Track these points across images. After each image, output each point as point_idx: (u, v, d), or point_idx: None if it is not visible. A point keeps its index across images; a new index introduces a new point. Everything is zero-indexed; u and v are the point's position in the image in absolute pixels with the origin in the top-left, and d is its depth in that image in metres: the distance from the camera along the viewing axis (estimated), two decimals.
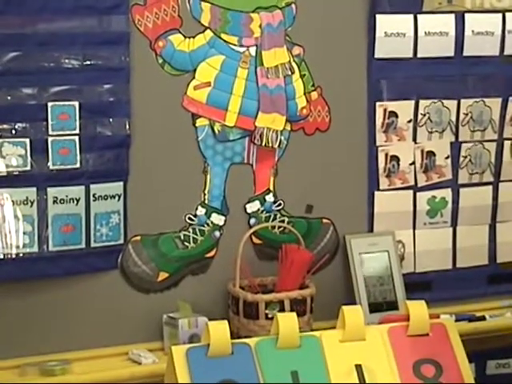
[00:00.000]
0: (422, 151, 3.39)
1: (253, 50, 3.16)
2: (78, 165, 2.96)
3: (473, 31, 3.40)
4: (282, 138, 3.20)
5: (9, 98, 2.87)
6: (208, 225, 3.15)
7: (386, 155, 3.34)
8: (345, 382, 2.81)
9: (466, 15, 3.39)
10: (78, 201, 2.97)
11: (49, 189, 2.93)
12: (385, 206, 3.37)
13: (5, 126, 2.87)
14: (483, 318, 3.39)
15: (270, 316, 3.00)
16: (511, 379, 3.53)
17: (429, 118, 3.39)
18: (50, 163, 2.93)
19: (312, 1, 3.20)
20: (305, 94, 3.24)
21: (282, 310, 3.04)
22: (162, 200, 3.08)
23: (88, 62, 2.95)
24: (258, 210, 3.19)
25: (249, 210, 3.21)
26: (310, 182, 3.24)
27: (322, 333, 2.97)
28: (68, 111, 2.95)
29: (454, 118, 3.41)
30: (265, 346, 2.80)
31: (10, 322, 2.87)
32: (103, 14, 2.96)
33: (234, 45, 3.14)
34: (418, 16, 3.34)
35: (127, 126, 3.00)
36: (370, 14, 3.29)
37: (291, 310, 3.01)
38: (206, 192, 3.15)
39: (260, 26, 3.15)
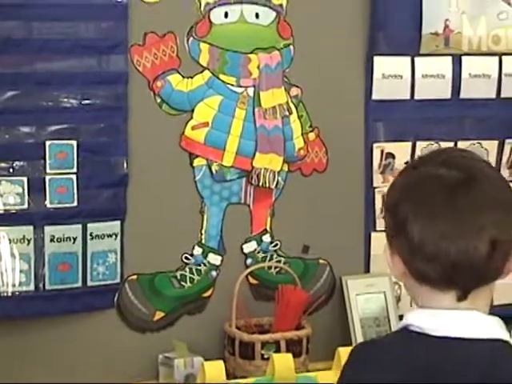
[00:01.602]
0: None
1: (251, 91, 3.16)
2: (75, 203, 2.95)
3: (470, 74, 3.40)
4: (280, 178, 3.19)
5: (7, 136, 2.88)
6: (205, 264, 3.14)
7: (383, 196, 3.32)
8: None
9: (463, 58, 3.39)
10: (75, 239, 2.96)
11: (46, 227, 2.93)
12: (382, 246, 3.33)
13: (2, 165, 2.87)
14: None
15: (266, 356, 3.00)
16: None
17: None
18: (47, 202, 2.93)
19: (310, 42, 3.20)
20: (302, 134, 3.24)
21: (278, 350, 3.02)
22: (159, 239, 3.08)
23: (86, 102, 2.96)
24: (255, 250, 3.19)
25: (245, 250, 3.20)
26: (307, 222, 3.24)
27: (318, 374, 2.98)
28: (66, 150, 2.95)
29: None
30: None
31: (4, 360, 2.86)
32: (102, 53, 2.97)
33: (232, 85, 3.14)
34: (416, 58, 3.35)
35: (125, 165, 3.00)
36: (368, 56, 3.30)
37: (287, 351, 3.01)
38: (202, 232, 3.14)
39: (258, 67, 3.16)
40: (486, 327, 2.07)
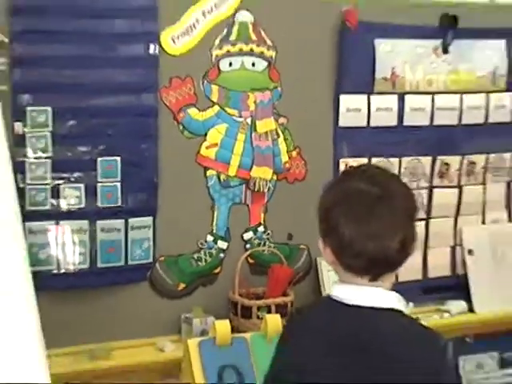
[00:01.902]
0: None
1: (249, 120, 3.17)
2: (119, 204, 2.96)
3: (410, 108, 3.41)
4: (270, 185, 3.21)
5: (69, 154, 2.89)
6: (215, 249, 3.15)
7: None
8: None
9: (406, 96, 3.40)
10: (119, 230, 2.97)
11: (97, 221, 2.94)
12: None
13: (66, 175, 2.88)
14: (418, 319, 3.39)
15: (260, 317, 3.00)
16: None
17: None
18: (98, 202, 2.94)
19: (293, 84, 3.20)
20: (287, 152, 3.24)
21: (270, 312, 3.02)
22: (181, 230, 3.09)
23: (127, 128, 2.96)
24: (252, 238, 3.20)
25: (245, 238, 3.21)
26: (291, 217, 3.25)
27: None
28: (112, 164, 2.95)
29: (396, 171, 3.40)
30: (256, 339, 2.83)
31: (67, 320, 2.87)
32: (139, 92, 2.97)
33: (235, 116, 3.15)
34: (371, 96, 3.35)
35: (156, 176, 3.01)
36: (336, 95, 3.30)
37: (276, 312, 2.99)
38: (213, 224, 3.15)
39: (254, 102, 3.16)
40: (387, 300, 2.13)
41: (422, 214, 3.45)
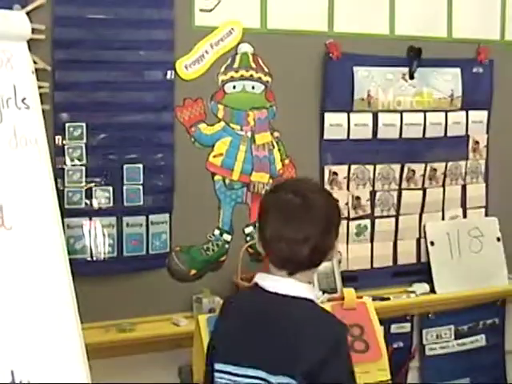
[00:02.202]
0: (353, 196, 3.39)
1: (249, 134, 3.16)
2: (141, 203, 2.95)
3: (383, 123, 3.40)
4: (267, 187, 3.18)
5: (100, 162, 2.88)
6: (221, 241, 3.13)
7: None
8: None
9: (379, 114, 3.39)
10: (141, 225, 2.97)
11: (124, 218, 2.94)
12: None
13: (97, 179, 2.88)
14: (389, 299, 3.40)
15: None
16: (406, 336, 3.53)
17: (356, 175, 3.38)
18: (124, 202, 2.93)
19: (285, 104, 3.20)
20: (281, 160, 3.23)
21: None
22: (193, 225, 3.07)
23: (148, 141, 2.96)
24: (251, 232, 3.17)
25: (246, 232, 3.19)
26: None
27: None
28: (136, 170, 2.95)
29: (371, 176, 3.41)
30: None
31: (99, 300, 2.86)
32: (158, 111, 2.97)
33: (238, 130, 3.14)
34: (350, 114, 3.34)
35: (172, 180, 3.00)
36: (321, 112, 3.29)
37: None
38: (219, 220, 3.14)
39: (253, 119, 3.16)
40: (299, 290, 2.12)
41: (392, 212, 3.46)
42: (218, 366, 2.18)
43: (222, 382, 2.16)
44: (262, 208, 2.20)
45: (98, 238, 2.89)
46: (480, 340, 3.69)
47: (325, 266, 3.19)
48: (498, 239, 3.69)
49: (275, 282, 2.15)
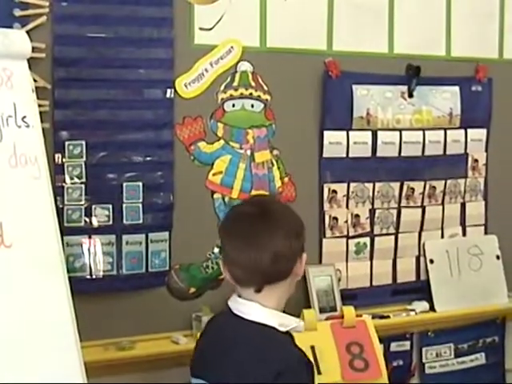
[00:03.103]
0: (352, 214, 3.38)
1: (248, 152, 3.15)
2: (141, 221, 2.95)
3: (382, 141, 3.40)
4: None
5: (99, 180, 2.88)
6: (220, 259, 3.10)
7: (330, 216, 3.34)
8: None
9: (378, 132, 3.39)
10: (140, 243, 2.96)
11: (123, 235, 2.93)
12: (329, 247, 3.36)
13: (97, 197, 2.87)
14: (388, 317, 3.40)
15: None
16: (406, 354, 3.52)
17: (356, 193, 3.38)
18: (124, 220, 2.92)
19: (284, 122, 3.20)
20: (280, 178, 3.23)
21: None
22: (193, 243, 3.06)
23: (148, 159, 2.95)
24: None
25: None
26: None
27: None
28: (135, 188, 2.94)
29: (371, 194, 3.41)
30: None
31: (98, 318, 2.85)
32: (158, 129, 2.97)
33: (237, 148, 3.14)
34: (349, 132, 3.34)
35: (171, 198, 2.99)
36: (320, 130, 3.29)
37: None
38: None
39: (253, 137, 3.16)
40: (261, 316, 2.12)
41: (391, 230, 3.46)
42: (192, 380, 2.23)
43: None
44: (220, 227, 2.24)
45: (97, 255, 2.88)
46: (480, 358, 3.68)
47: (324, 284, 3.26)
48: (498, 257, 3.69)
49: (240, 305, 2.16)
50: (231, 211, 2.27)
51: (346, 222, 3.37)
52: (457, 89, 3.55)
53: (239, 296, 2.17)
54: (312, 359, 2.83)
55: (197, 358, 2.27)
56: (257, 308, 2.13)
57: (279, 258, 2.09)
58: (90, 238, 2.87)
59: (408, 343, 3.53)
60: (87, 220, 2.86)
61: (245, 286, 2.14)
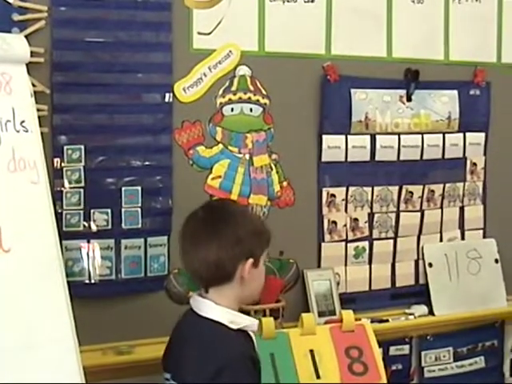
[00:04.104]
0: (351, 218, 3.39)
1: (247, 156, 3.15)
2: (140, 226, 2.95)
3: (381, 145, 3.40)
4: (265, 210, 3.19)
5: (98, 184, 2.88)
6: None
7: (329, 220, 3.34)
8: (303, 362, 2.82)
9: (377, 136, 3.39)
10: (139, 248, 2.96)
11: (122, 240, 2.93)
12: (328, 251, 3.36)
13: (96, 202, 2.87)
14: (387, 321, 3.40)
15: (257, 319, 2.97)
16: (405, 358, 3.52)
17: (354, 197, 3.38)
18: (123, 224, 2.92)
19: (283, 126, 3.20)
20: (279, 183, 3.23)
21: (265, 315, 3.00)
22: None
23: (147, 163, 2.95)
24: None
25: None
26: (282, 236, 3.18)
27: (289, 330, 2.98)
28: (134, 193, 2.94)
29: (369, 198, 3.41)
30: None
31: (97, 322, 2.84)
32: (156, 134, 2.97)
33: (236, 153, 3.14)
34: (348, 136, 3.34)
35: (170, 202, 2.99)
36: (319, 134, 3.29)
37: (270, 316, 2.99)
38: None
39: (251, 142, 3.15)
40: (212, 313, 2.24)
41: (390, 234, 3.46)
42: (164, 375, 2.35)
43: None
44: (182, 229, 2.34)
45: (96, 260, 2.88)
46: (479, 362, 3.68)
47: (323, 288, 3.26)
48: (497, 261, 3.69)
49: (196, 303, 2.29)
50: (191, 214, 2.36)
51: (345, 226, 3.37)
52: (455, 93, 3.55)
53: (199, 294, 2.30)
54: (311, 363, 2.85)
55: (164, 352, 2.40)
56: (209, 305, 2.24)
57: (211, 264, 2.21)
58: (88, 242, 2.87)
59: (407, 347, 3.52)
60: (86, 224, 2.86)
61: (199, 286, 2.31)
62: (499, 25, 3.65)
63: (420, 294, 3.55)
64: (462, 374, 3.64)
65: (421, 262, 3.55)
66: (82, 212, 2.85)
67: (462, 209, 3.65)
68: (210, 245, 2.21)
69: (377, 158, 3.40)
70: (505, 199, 3.73)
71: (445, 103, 3.53)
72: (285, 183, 3.24)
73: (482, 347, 3.69)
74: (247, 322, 2.29)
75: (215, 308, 2.24)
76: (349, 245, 3.39)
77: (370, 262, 3.44)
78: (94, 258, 2.88)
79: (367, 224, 3.42)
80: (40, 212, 2.25)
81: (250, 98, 3.14)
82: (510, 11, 3.66)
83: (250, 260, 2.24)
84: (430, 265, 3.55)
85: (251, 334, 2.33)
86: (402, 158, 3.45)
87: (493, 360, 3.72)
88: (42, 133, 2.35)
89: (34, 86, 2.49)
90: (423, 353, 3.56)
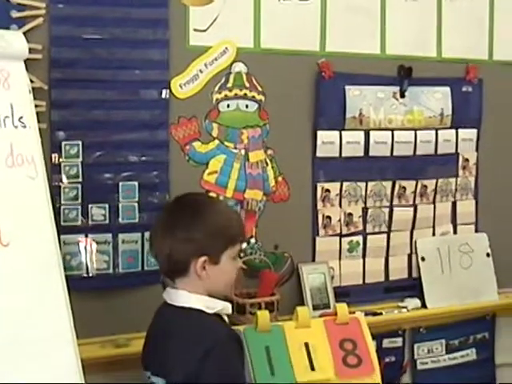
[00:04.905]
0: (345, 213, 3.39)
1: (243, 152, 3.15)
2: (137, 220, 2.95)
3: (374, 141, 3.40)
4: (261, 204, 3.20)
5: (96, 180, 2.87)
6: None
7: (323, 215, 3.34)
8: (298, 354, 2.82)
9: (371, 132, 3.39)
10: (136, 242, 2.95)
11: (119, 234, 2.92)
12: (322, 245, 3.36)
13: (93, 197, 2.87)
14: (381, 314, 3.40)
15: (252, 312, 2.98)
16: (398, 350, 3.52)
17: (348, 192, 3.38)
18: (120, 219, 2.92)
19: (278, 122, 3.20)
20: (274, 178, 3.23)
21: (260, 308, 3.00)
22: None
23: (144, 158, 2.95)
24: (246, 248, 3.16)
25: None
26: (277, 230, 3.23)
27: (284, 323, 2.98)
28: (131, 188, 2.94)
29: (363, 193, 3.41)
30: (249, 331, 2.82)
31: (94, 315, 2.84)
32: (153, 129, 2.96)
33: (232, 148, 3.13)
34: (342, 132, 3.34)
35: (167, 197, 2.98)
36: (314, 130, 3.29)
37: (265, 309, 2.99)
38: None
39: (247, 137, 3.16)
40: (187, 300, 2.30)
41: (384, 228, 3.47)
42: (145, 374, 2.38)
43: None
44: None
45: (93, 254, 2.88)
46: (471, 354, 3.69)
47: (317, 281, 3.26)
48: (488, 255, 3.70)
49: (170, 295, 2.35)
50: (164, 205, 2.50)
51: (339, 220, 3.37)
52: (448, 89, 3.55)
53: (172, 287, 2.36)
54: (306, 356, 2.85)
55: (143, 351, 2.44)
56: (183, 294, 2.29)
57: (165, 257, 2.31)
58: (86, 236, 2.87)
59: (400, 340, 3.53)
60: (84, 219, 2.86)
61: (168, 277, 2.39)
62: (491, 22, 3.65)
63: (413, 287, 3.55)
64: (454, 366, 3.65)
65: (414, 256, 3.56)
66: (79, 207, 2.85)
67: (454, 203, 3.65)
68: (165, 238, 2.29)
69: (370, 154, 3.40)
70: (496, 194, 3.73)
71: (438, 100, 3.53)
72: (280, 178, 3.24)
73: (474, 339, 3.70)
74: (221, 306, 2.35)
75: (189, 296, 2.29)
76: (343, 239, 3.39)
77: (363, 256, 3.44)
78: (91, 252, 2.88)
79: (361, 219, 3.42)
80: (38, 207, 2.25)
81: (245, 94, 3.14)
82: (502, 9, 3.67)
83: (203, 258, 2.28)
84: (423, 259, 3.55)
85: (225, 317, 2.40)
86: (395, 153, 3.45)
87: (484, 352, 3.73)
88: (40, 128, 2.35)
89: (32, 82, 2.48)
90: (416, 345, 3.57)
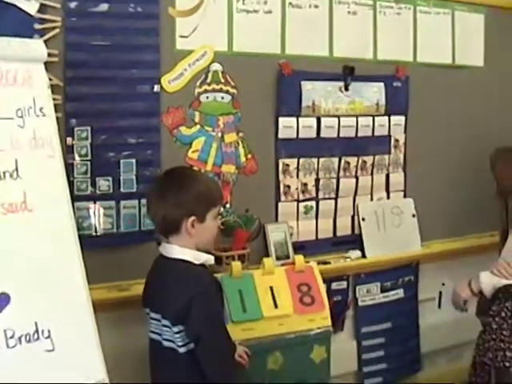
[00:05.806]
0: (301, 183, 3.40)
1: (219, 134, 3.15)
2: (135, 190, 2.94)
3: (325, 126, 3.39)
4: (234, 176, 3.20)
5: (102, 158, 2.87)
6: None
7: (284, 184, 3.35)
8: (264, 296, 2.84)
9: (322, 118, 3.39)
10: (135, 207, 2.95)
11: (121, 201, 2.92)
12: (283, 209, 3.37)
13: (100, 172, 2.86)
14: (330, 263, 3.44)
15: (227, 263, 2.99)
16: (343, 291, 3.56)
17: (304, 166, 3.39)
18: (121, 188, 2.92)
19: (248, 111, 3.20)
20: (245, 155, 3.23)
21: (234, 260, 3.02)
22: None
23: (140, 140, 2.94)
24: (222, 211, 3.14)
25: None
26: (248, 197, 3.23)
27: (253, 271, 3.01)
28: (130, 164, 2.93)
29: (316, 167, 3.42)
30: (226, 278, 2.86)
31: (102, 266, 2.83)
32: (148, 117, 2.96)
33: (211, 131, 3.13)
34: (299, 118, 3.34)
35: (158, 171, 2.96)
36: (276, 117, 3.29)
37: (238, 260, 3.01)
38: None
39: (223, 123, 3.15)
40: (179, 253, 2.32)
41: (332, 195, 3.48)
42: (145, 310, 2.41)
43: (152, 322, 2.37)
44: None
45: (100, 217, 2.88)
46: (399, 293, 3.74)
47: (279, 237, 3.28)
48: (414, 215, 3.74)
49: (165, 248, 2.36)
50: (158, 176, 2.47)
51: (297, 189, 3.39)
52: (382, 84, 3.57)
53: (166, 242, 2.38)
54: (271, 297, 2.89)
55: (143, 292, 2.46)
56: (175, 248, 2.32)
57: (160, 218, 2.31)
58: (94, 203, 2.87)
59: (345, 283, 3.56)
60: (92, 189, 2.86)
61: (161, 235, 2.38)
62: (414, 32, 3.66)
63: (355, 241, 3.59)
64: (387, 303, 3.70)
65: (356, 216, 3.59)
66: (89, 180, 2.85)
67: (387, 175, 3.68)
68: (159, 204, 2.31)
69: (321, 136, 3.41)
70: (420, 167, 3.77)
71: (374, 92, 3.55)
72: (249, 155, 3.25)
73: (402, 282, 3.74)
74: (206, 258, 2.39)
75: (181, 250, 2.31)
76: (300, 204, 3.41)
77: (316, 217, 3.46)
78: (99, 215, 2.88)
79: (314, 187, 3.44)
80: (56, 180, 2.26)
81: (221, 88, 3.14)
82: (424, 21, 3.68)
83: (192, 217, 2.31)
84: (363, 219, 3.59)
85: (207, 267, 2.45)
86: (341, 135, 3.46)
87: (410, 291, 3.78)
88: (56, 117, 2.35)
89: (50, 80, 2.47)
90: (357, 287, 3.61)
